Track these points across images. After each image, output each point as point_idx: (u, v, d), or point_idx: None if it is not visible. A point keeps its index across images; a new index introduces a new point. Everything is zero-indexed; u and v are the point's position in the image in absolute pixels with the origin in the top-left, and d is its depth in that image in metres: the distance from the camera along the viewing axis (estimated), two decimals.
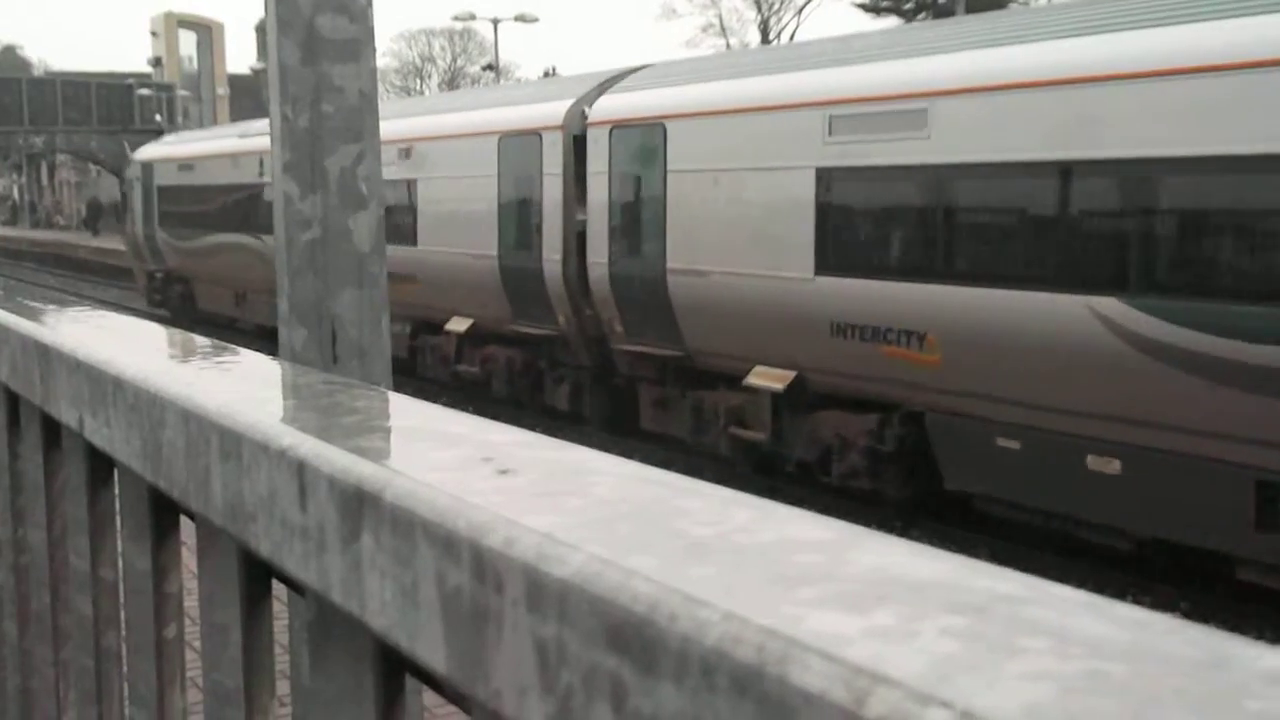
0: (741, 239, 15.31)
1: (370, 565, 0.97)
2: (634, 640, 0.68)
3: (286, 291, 3.74)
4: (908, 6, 49.50)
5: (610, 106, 18.14)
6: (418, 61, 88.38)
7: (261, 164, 25.43)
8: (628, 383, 18.26)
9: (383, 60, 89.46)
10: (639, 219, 17.13)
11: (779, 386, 15.10)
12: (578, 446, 1.02)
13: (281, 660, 1.77)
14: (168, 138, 38.08)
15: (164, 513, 1.68)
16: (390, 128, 20.20)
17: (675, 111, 16.66)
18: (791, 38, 64.23)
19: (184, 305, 32.77)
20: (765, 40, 64.68)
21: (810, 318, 14.30)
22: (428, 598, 0.89)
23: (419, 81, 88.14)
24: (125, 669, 1.91)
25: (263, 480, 1.15)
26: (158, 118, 60.85)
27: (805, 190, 14.39)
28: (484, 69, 71.82)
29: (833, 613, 0.63)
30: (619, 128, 17.61)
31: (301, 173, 3.73)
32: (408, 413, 1.24)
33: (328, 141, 3.76)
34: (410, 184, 22.10)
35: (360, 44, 3.78)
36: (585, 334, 18.60)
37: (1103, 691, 0.53)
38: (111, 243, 57.65)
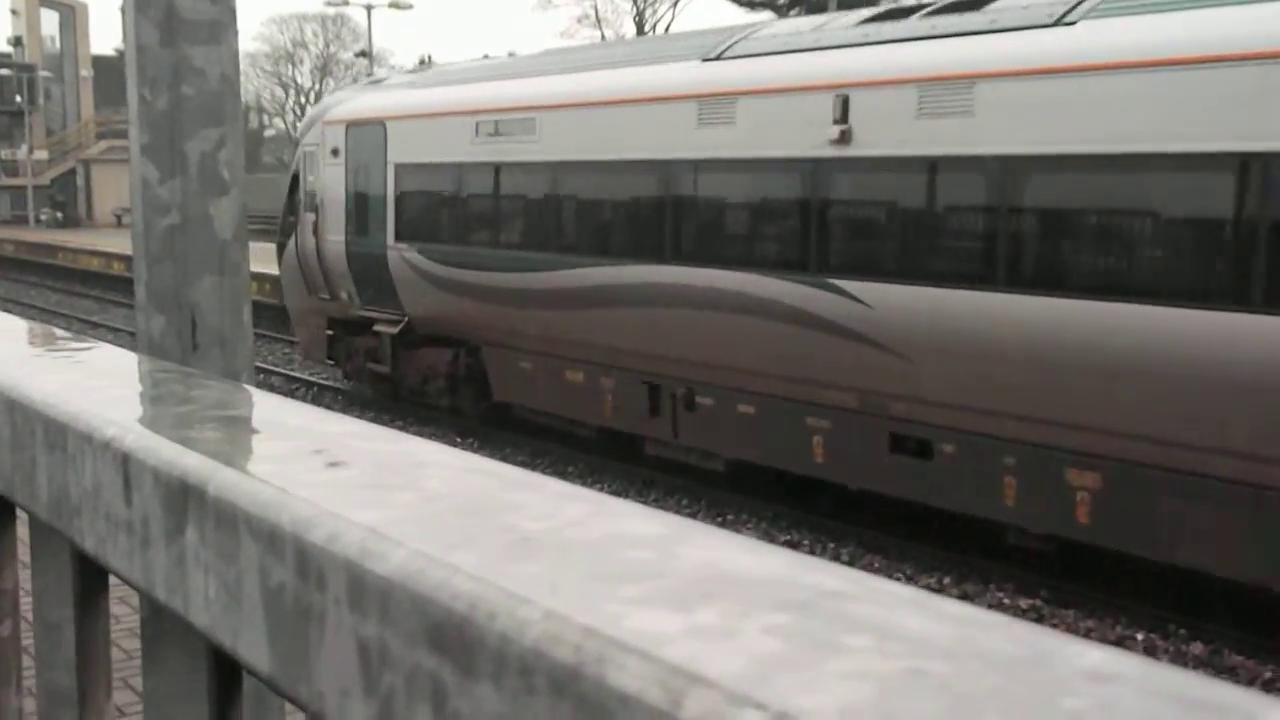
0: None
1: (194, 561, 0.94)
2: (454, 640, 0.66)
3: (144, 279, 3.66)
4: (781, 1, 49.71)
5: None
6: (289, 47, 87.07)
7: (846, 106, 12.04)
8: None
9: (253, 44, 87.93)
10: None
11: None
12: (413, 438, 0.99)
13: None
14: (396, 77, 21.02)
15: None
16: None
17: None
18: (667, 30, 64.30)
19: (466, 386, 17.48)
20: (640, 32, 64.70)
21: None
22: (251, 595, 0.86)
23: (290, 67, 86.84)
24: None
25: (88, 473, 1.11)
26: (18, 99, 59.13)
27: None
28: (357, 55, 70.92)
29: (656, 611, 0.62)
30: None
31: (160, 156, 3.65)
32: (245, 404, 1.20)
33: (187, 125, 3.69)
34: None
35: (222, 26, 3.70)
36: None
37: (920, 691, 0.52)
38: None
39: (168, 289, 3.61)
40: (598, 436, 15.70)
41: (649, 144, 13.94)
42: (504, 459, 10.67)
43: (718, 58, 13.67)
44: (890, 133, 11.48)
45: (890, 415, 11.81)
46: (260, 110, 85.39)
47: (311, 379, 21.82)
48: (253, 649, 0.86)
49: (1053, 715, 0.50)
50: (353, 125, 18.67)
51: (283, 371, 22.57)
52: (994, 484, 11.02)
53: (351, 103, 19.51)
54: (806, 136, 12.14)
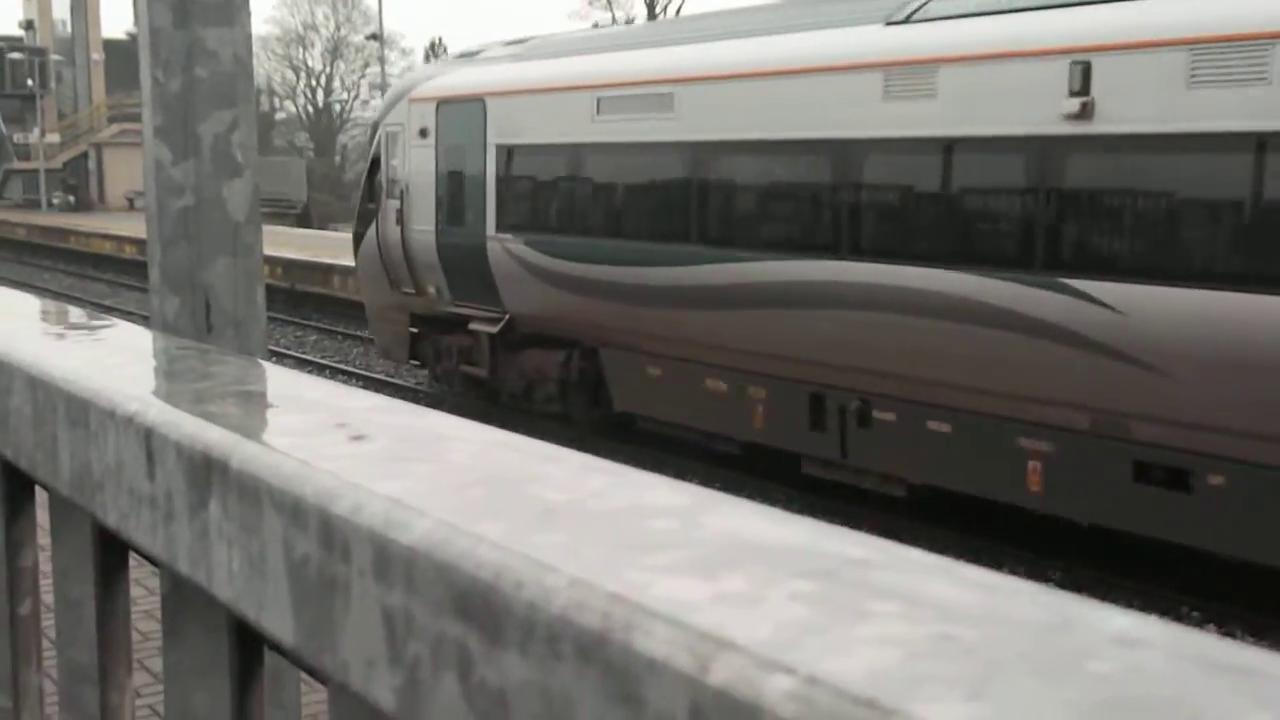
0: None
1: (218, 534, 0.94)
2: (480, 608, 0.66)
3: (158, 260, 3.67)
4: None
5: None
6: (300, 29, 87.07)
7: (1087, 75, 10.00)
8: None
9: (264, 27, 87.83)
10: None
11: None
12: (435, 412, 1.00)
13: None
14: (493, 49, 17.86)
15: (17, 484, 1.62)
16: None
17: None
18: (678, 12, 64.12)
19: (578, 392, 15.50)
20: (651, 15, 64.50)
21: None
22: (275, 567, 0.86)
23: (301, 50, 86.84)
24: None
25: (110, 448, 1.11)
26: (29, 83, 59.18)
27: None
28: (368, 38, 70.88)
29: (681, 578, 0.62)
30: None
31: (174, 138, 3.66)
32: (264, 379, 1.20)
33: (201, 107, 3.69)
34: None
35: (235, 7, 3.70)
36: None
37: (948, 655, 0.53)
38: None
39: (182, 271, 3.61)
40: (740, 453, 13.84)
41: (819, 121, 11.90)
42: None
43: (907, 20, 11.71)
44: (1150, 106, 9.55)
45: (1135, 439, 9.94)
46: (271, 93, 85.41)
47: (324, 362, 21.69)
48: (277, 621, 0.87)
49: (1080, 679, 0.50)
50: (445, 103, 16.60)
51: (294, 355, 22.38)
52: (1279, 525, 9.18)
53: (442, 78, 17.40)
54: (1033, 111, 10.26)
